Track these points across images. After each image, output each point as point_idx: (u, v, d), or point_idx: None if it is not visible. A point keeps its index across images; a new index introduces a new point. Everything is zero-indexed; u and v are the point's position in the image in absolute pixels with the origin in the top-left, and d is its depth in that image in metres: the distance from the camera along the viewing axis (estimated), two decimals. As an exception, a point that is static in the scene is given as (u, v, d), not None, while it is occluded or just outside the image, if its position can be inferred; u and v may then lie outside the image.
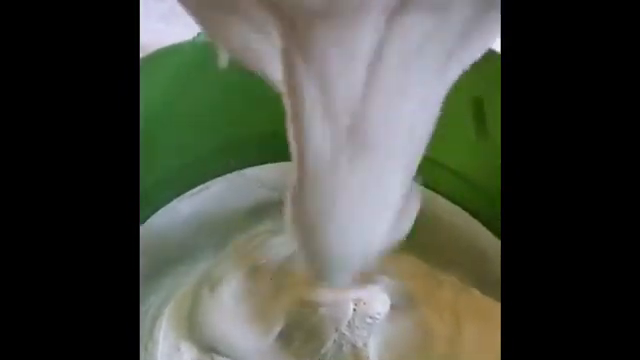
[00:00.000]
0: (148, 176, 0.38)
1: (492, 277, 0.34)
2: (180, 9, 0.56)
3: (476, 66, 0.20)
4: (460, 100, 0.34)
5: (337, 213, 0.23)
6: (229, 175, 0.38)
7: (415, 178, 0.23)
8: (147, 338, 0.33)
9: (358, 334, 0.31)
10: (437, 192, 0.39)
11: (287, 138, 0.40)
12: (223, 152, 0.40)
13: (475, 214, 0.38)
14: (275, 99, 0.38)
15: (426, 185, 0.39)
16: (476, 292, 0.33)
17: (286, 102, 0.21)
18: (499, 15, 0.18)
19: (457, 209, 0.38)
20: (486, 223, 0.37)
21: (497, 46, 0.22)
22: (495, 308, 0.32)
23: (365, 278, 0.31)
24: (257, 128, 0.40)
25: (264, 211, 0.37)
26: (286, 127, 0.38)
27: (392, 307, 0.32)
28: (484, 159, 0.35)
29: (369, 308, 0.31)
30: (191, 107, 0.36)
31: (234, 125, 0.39)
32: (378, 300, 0.31)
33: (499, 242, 0.36)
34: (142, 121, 0.34)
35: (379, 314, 0.31)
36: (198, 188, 0.38)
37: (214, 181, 0.38)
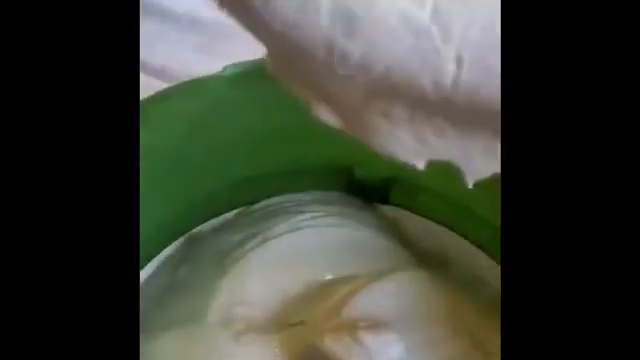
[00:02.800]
0: (165, 208, 0.39)
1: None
2: (216, 43, 0.57)
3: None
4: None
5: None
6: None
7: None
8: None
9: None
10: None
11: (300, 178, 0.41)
12: (235, 188, 0.41)
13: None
14: (292, 140, 0.39)
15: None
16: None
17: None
18: None
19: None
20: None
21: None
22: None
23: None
24: (270, 167, 0.40)
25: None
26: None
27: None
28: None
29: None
30: (210, 141, 0.36)
31: (247, 164, 0.40)
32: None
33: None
34: (160, 152, 0.35)
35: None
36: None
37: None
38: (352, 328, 0.31)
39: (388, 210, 0.40)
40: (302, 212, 0.38)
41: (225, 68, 0.33)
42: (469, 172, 0.20)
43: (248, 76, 0.33)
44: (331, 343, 0.30)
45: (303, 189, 0.41)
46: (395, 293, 0.33)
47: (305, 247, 0.36)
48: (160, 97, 0.33)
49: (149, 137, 0.32)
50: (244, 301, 0.34)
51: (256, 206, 0.41)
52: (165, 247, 0.40)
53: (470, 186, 0.20)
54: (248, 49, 0.52)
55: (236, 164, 0.39)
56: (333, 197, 0.40)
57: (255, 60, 0.33)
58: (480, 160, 0.20)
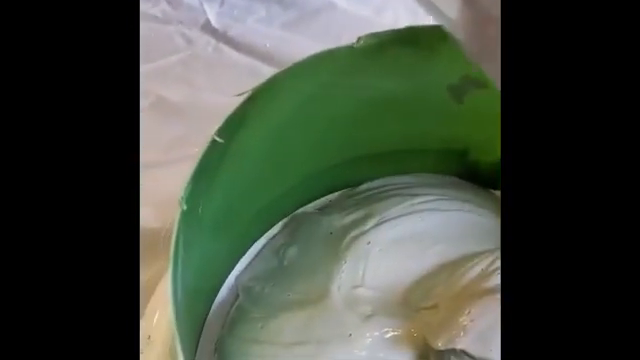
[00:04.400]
0: (268, 189, 0.38)
1: None
2: (303, 18, 0.56)
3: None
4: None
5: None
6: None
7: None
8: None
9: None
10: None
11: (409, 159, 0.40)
12: (339, 169, 0.40)
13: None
14: (407, 116, 0.38)
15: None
16: None
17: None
18: None
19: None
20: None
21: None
22: None
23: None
24: (379, 147, 0.39)
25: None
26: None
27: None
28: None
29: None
30: (319, 121, 0.35)
31: (354, 144, 0.38)
32: None
33: None
34: (264, 136, 0.34)
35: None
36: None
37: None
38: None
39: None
40: (418, 195, 0.37)
41: (359, 39, 0.31)
42: None
43: (382, 47, 0.32)
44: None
45: (411, 171, 0.40)
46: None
47: (428, 229, 0.34)
48: (280, 76, 0.31)
49: (255, 121, 0.31)
50: (367, 283, 0.33)
51: (362, 187, 0.40)
52: (269, 228, 0.39)
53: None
54: (335, 26, 0.52)
55: (341, 144, 0.38)
56: (446, 181, 0.39)
57: (390, 31, 0.31)
58: None
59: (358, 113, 0.35)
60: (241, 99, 0.29)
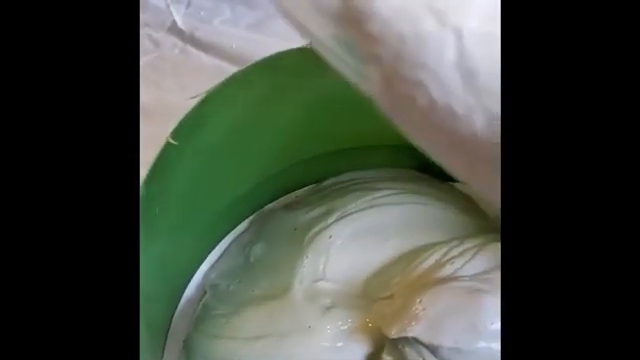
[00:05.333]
0: (235, 187, 0.39)
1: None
2: (269, 19, 0.56)
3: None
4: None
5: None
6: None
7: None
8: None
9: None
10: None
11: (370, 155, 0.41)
12: (304, 166, 0.40)
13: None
14: (366, 115, 0.38)
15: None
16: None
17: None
18: None
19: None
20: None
21: None
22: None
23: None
24: (341, 144, 0.40)
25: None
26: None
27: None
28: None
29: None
30: (279, 120, 0.36)
31: (318, 142, 0.39)
32: None
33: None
34: (227, 134, 0.35)
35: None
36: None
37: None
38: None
39: (460, 187, 0.40)
40: (378, 189, 0.38)
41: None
42: None
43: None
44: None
45: (372, 167, 0.41)
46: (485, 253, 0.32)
47: (387, 222, 0.35)
48: (236, 76, 0.32)
49: (212, 122, 0.32)
50: (328, 276, 0.34)
51: (325, 183, 0.41)
52: (236, 225, 0.40)
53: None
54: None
55: (300, 143, 0.39)
56: (406, 175, 0.40)
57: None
58: None
59: (312, 113, 0.36)
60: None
